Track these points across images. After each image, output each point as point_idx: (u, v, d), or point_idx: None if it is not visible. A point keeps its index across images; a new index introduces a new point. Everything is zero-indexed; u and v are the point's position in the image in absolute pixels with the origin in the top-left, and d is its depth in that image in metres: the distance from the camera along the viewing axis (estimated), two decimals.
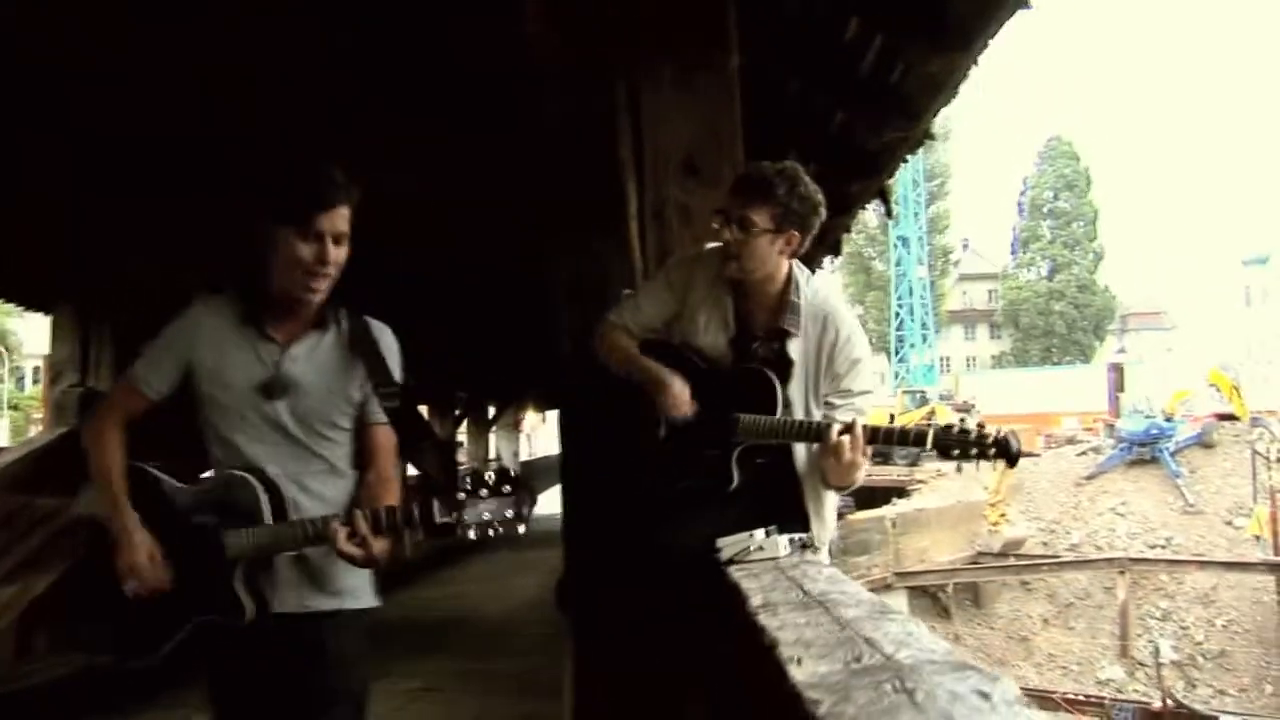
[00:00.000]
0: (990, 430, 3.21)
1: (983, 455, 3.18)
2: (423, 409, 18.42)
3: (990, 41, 4.91)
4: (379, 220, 3.17)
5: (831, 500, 3.66)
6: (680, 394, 3.48)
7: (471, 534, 2.91)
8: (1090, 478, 34.27)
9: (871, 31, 5.34)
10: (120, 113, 6.15)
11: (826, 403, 3.54)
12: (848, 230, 9.37)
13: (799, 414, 3.51)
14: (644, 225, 4.45)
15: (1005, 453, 3.19)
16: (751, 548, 3.15)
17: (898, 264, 67.95)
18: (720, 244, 3.51)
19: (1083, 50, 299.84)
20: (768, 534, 3.18)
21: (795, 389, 3.53)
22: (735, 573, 2.85)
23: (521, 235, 6.44)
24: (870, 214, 67.48)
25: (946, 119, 69.72)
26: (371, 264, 3.39)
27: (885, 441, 3.34)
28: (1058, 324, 74.08)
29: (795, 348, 3.53)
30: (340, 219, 3.01)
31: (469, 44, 5.32)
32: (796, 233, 3.48)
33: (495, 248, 8.96)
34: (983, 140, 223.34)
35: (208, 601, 3.08)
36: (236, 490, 3.07)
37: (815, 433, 3.33)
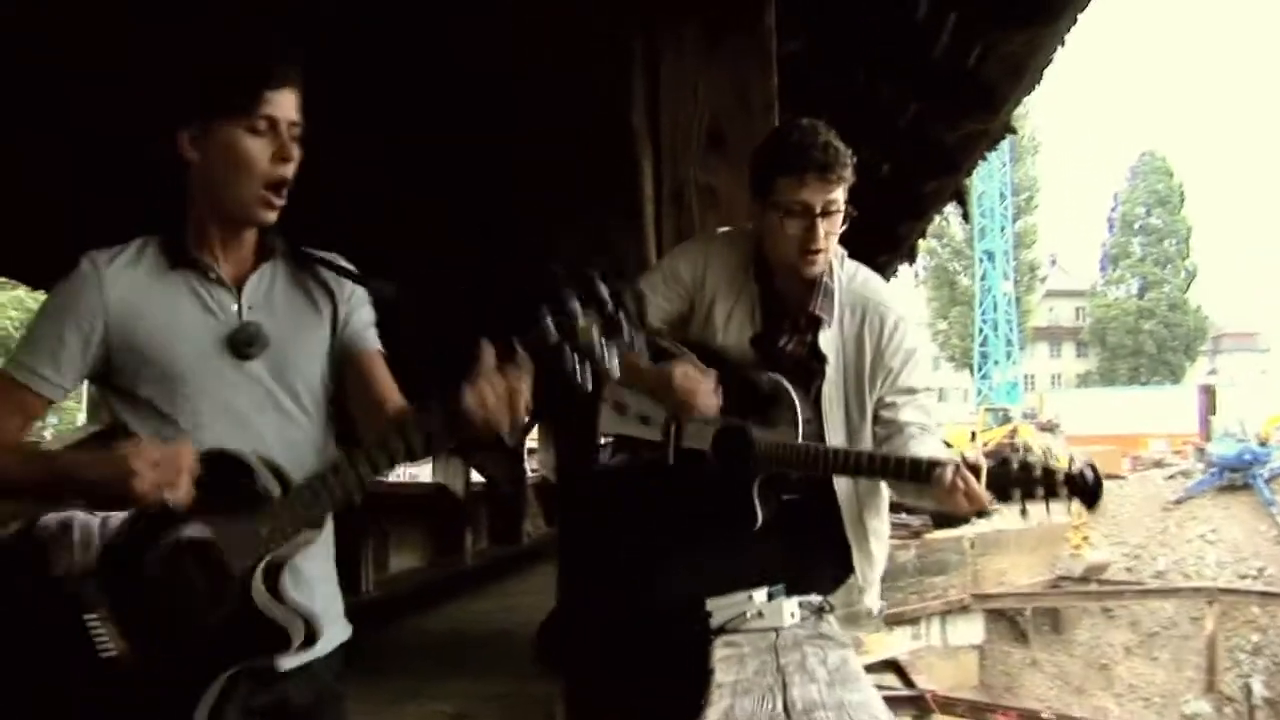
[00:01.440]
0: (1058, 461, 2.59)
1: (1052, 494, 2.60)
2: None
3: (1078, 17, 4.38)
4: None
5: (882, 532, 3.13)
6: (694, 380, 2.95)
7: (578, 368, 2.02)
8: (1179, 502, 33.48)
9: (945, 8, 4.74)
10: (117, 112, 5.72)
11: (885, 404, 3.01)
12: (923, 235, 8.81)
13: (836, 421, 2.99)
14: (661, 209, 3.84)
15: (1082, 490, 2.59)
16: (749, 614, 2.57)
17: (983, 279, 66.81)
18: (799, 246, 2.94)
19: (1177, 64, 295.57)
20: (771, 596, 2.59)
21: (831, 391, 3.01)
22: (720, 649, 2.24)
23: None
24: (956, 227, 67.10)
25: (1035, 131, 68.71)
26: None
27: (913, 479, 2.74)
28: (1147, 343, 72.57)
29: (829, 340, 3.02)
30: (293, 102, 2.34)
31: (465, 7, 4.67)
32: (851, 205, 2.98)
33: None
34: (1072, 154, 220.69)
35: (238, 640, 2.20)
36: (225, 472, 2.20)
37: (822, 460, 2.83)
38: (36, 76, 5.35)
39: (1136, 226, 74.98)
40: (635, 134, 4.00)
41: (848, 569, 3.05)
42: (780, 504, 2.94)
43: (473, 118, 5.28)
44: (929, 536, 26.34)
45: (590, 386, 2.00)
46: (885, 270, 9.40)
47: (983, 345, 66.05)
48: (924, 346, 3.21)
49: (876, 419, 3.00)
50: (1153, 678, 27.64)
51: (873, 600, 3.02)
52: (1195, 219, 75.46)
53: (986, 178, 60.33)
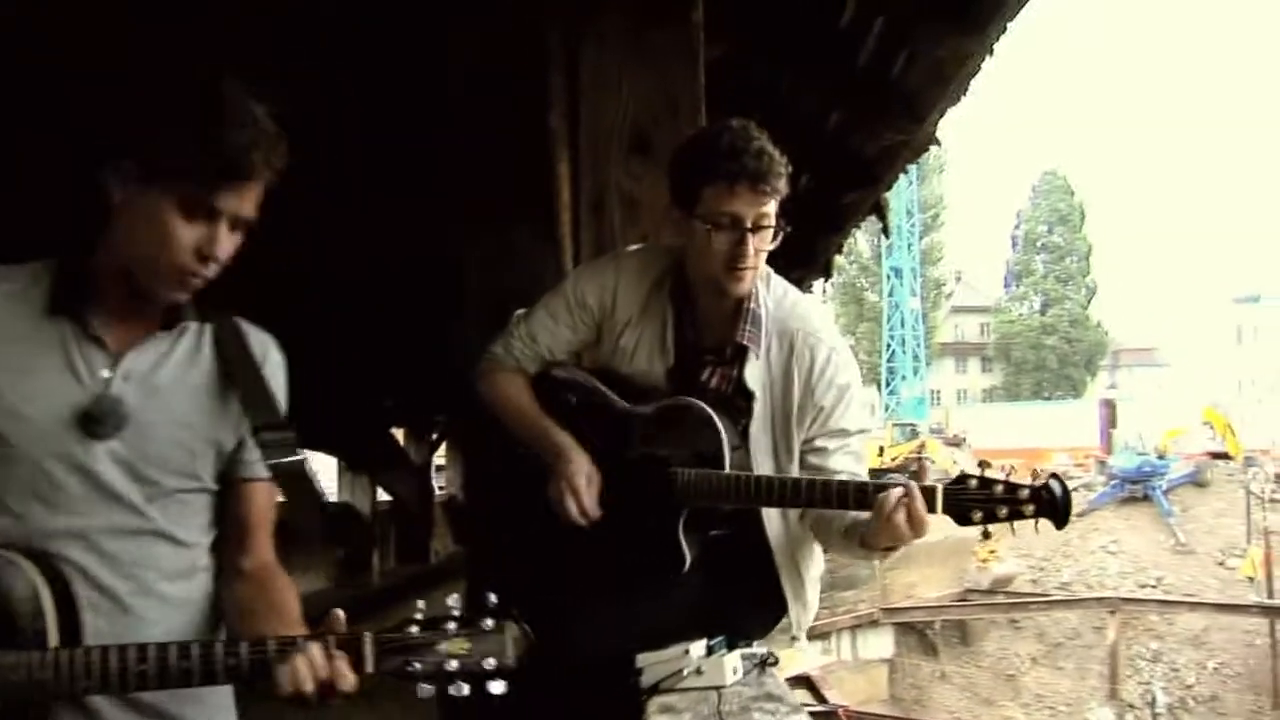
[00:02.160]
0: (1021, 480, 2.37)
1: (1016, 514, 2.34)
2: (397, 433, 17.68)
3: (1007, 25, 4.23)
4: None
5: (815, 573, 2.84)
6: (579, 486, 2.63)
7: (425, 689, 1.89)
8: (1081, 515, 33.87)
9: (871, 13, 4.57)
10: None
11: (813, 448, 2.69)
12: (840, 250, 8.64)
13: (764, 465, 2.66)
14: (578, 218, 3.55)
15: (1049, 507, 2.34)
16: (686, 670, 2.32)
17: (890, 295, 67.45)
18: (728, 261, 2.62)
19: (1078, 85, 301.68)
20: (710, 650, 2.35)
21: (758, 431, 2.70)
22: (654, 714, 2.00)
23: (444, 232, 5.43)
24: (863, 244, 67.66)
25: (942, 151, 69.45)
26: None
27: (858, 507, 2.48)
28: (1050, 359, 73.64)
29: (755, 374, 2.71)
30: (251, 198, 1.98)
31: None
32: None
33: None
34: (978, 173, 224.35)
35: None
36: None
37: (752, 490, 2.52)
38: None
39: (1039, 244, 76.17)
40: (552, 136, 3.71)
41: (781, 610, 2.77)
42: (709, 542, 2.66)
43: (376, 118, 4.97)
44: None
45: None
46: (801, 286, 9.22)
47: (890, 361, 66.67)
48: (859, 382, 2.86)
49: (803, 463, 2.70)
50: (1058, 687, 27.97)
51: (804, 643, 2.77)
52: (1095, 237, 76.96)
53: (894, 195, 60.51)
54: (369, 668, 1.87)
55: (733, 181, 2.56)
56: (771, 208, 2.61)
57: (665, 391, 2.72)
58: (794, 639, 2.70)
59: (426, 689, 1.86)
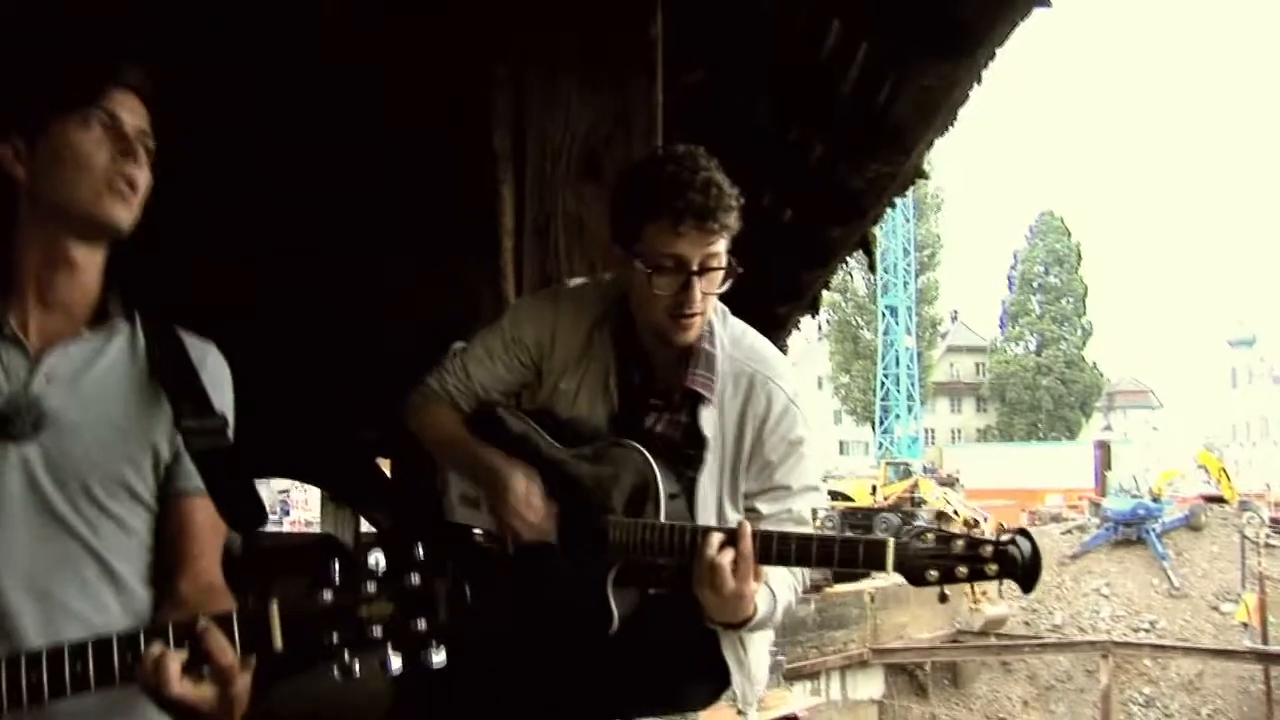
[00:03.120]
0: (983, 532, 2.09)
1: (977, 575, 2.03)
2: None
3: (996, 52, 4.03)
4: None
5: (762, 642, 2.53)
6: (526, 498, 2.38)
7: (338, 671, 1.62)
8: (1074, 557, 33.91)
9: (855, 40, 4.37)
10: None
11: (749, 509, 2.42)
12: (827, 285, 8.43)
13: (707, 517, 2.40)
14: (522, 243, 3.30)
15: (1015, 567, 2.02)
16: None
17: (885, 333, 67.35)
18: (673, 308, 2.36)
19: (1076, 126, 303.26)
20: None
21: (707, 482, 2.43)
22: None
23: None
24: (859, 282, 67.67)
25: (938, 188, 69.60)
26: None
27: (800, 561, 2.23)
28: (1045, 399, 73.59)
29: (710, 420, 2.44)
30: (140, 109, 1.95)
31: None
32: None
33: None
34: (974, 212, 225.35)
35: None
36: None
37: (686, 544, 2.22)
38: None
39: (1035, 285, 76.30)
40: (496, 156, 3.43)
41: (724, 682, 2.47)
42: (644, 602, 2.39)
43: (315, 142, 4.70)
44: (829, 590, 26.09)
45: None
46: (787, 321, 9.03)
47: (884, 399, 66.51)
48: (816, 436, 2.62)
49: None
50: None
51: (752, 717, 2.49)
52: (1091, 278, 77.08)
53: (890, 234, 60.94)
54: (277, 644, 1.63)
55: (677, 219, 2.28)
56: (721, 246, 2.33)
57: (607, 438, 2.46)
58: (740, 713, 2.45)
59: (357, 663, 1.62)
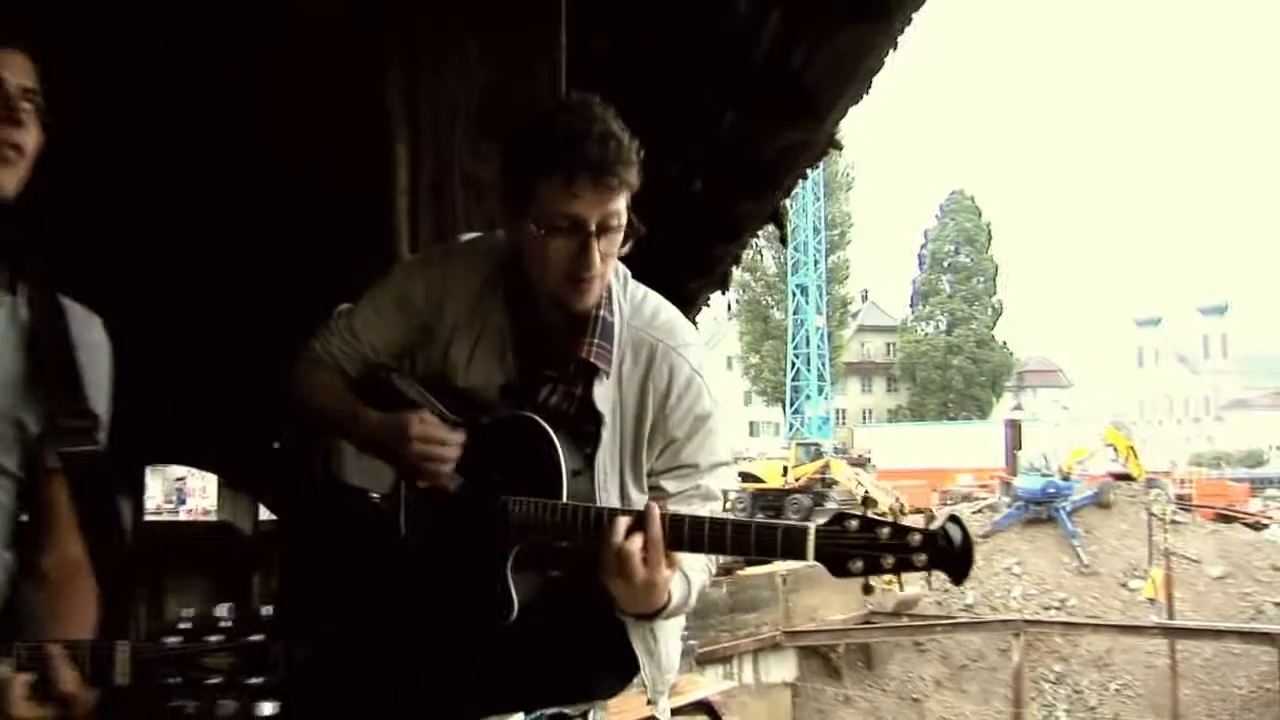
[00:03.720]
0: (910, 519, 1.96)
1: (905, 566, 1.89)
2: None
3: (912, 16, 4.01)
4: None
5: (674, 629, 2.43)
6: (428, 433, 2.23)
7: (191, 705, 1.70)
8: (986, 536, 34.29)
9: (769, 2, 4.30)
10: None
11: (655, 487, 2.32)
12: (738, 261, 8.42)
13: (610, 497, 2.28)
14: (417, 203, 3.18)
15: (945, 559, 1.88)
16: None
17: (795, 313, 67.89)
18: (570, 271, 2.22)
19: (986, 104, 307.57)
20: None
21: (605, 460, 2.31)
22: None
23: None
24: (769, 261, 68.07)
25: (849, 166, 70.10)
26: None
27: (714, 548, 2.08)
28: (955, 379, 74.62)
29: (605, 394, 2.32)
30: (26, 69, 1.95)
31: None
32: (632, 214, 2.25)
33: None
34: (885, 191, 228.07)
35: None
36: None
37: (591, 526, 2.10)
38: None
39: (946, 264, 77.30)
40: (391, 116, 3.28)
41: (633, 669, 2.36)
42: (545, 584, 2.27)
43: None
44: (740, 573, 26.15)
45: None
46: (697, 297, 8.99)
47: (795, 380, 67.12)
48: (723, 410, 2.50)
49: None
50: (963, 710, 28.22)
51: (663, 709, 2.40)
52: (1001, 257, 78.09)
53: (800, 212, 61.40)
54: (120, 679, 1.71)
55: (571, 175, 2.13)
56: (620, 204, 2.19)
57: (503, 410, 2.33)
58: (650, 702, 2.35)
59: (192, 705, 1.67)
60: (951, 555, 1.87)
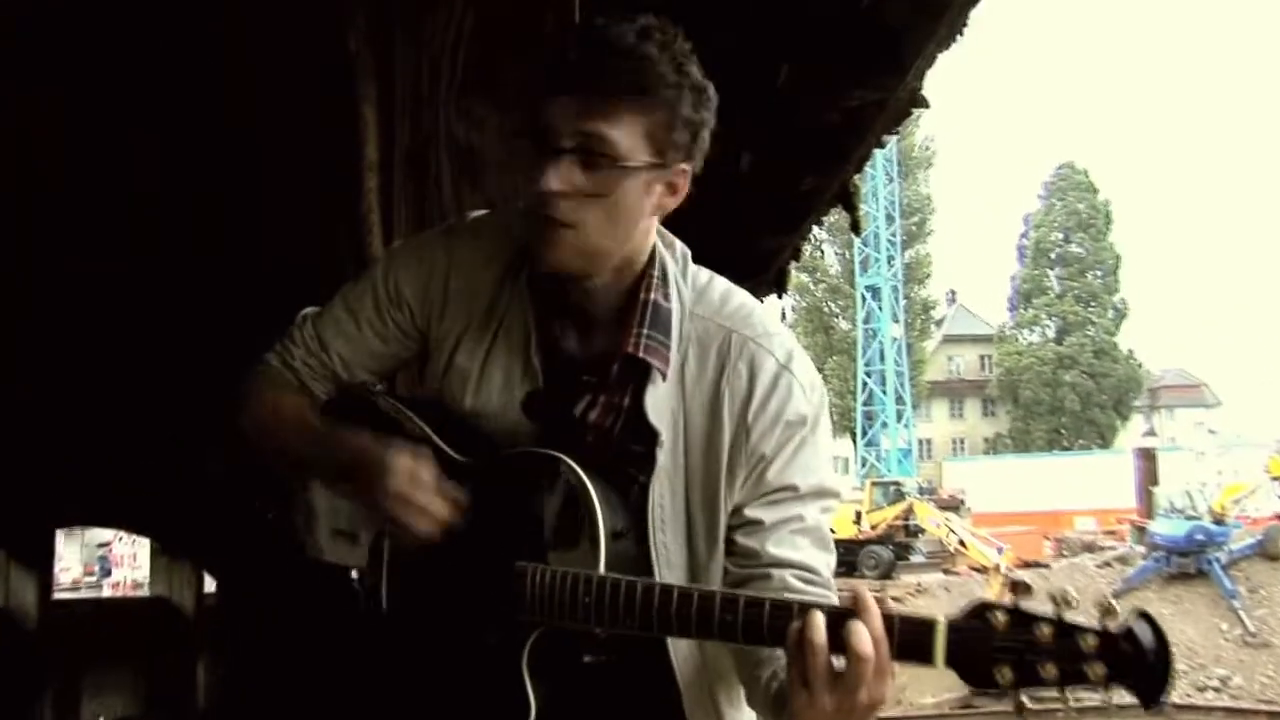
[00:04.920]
0: (1080, 617, 1.77)
1: (1074, 678, 1.73)
2: None
3: None
4: None
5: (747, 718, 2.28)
6: (411, 475, 2.07)
7: None
8: (1116, 596, 33.76)
9: None
10: None
11: (744, 522, 2.13)
12: (797, 256, 8.36)
13: (673, 544, 2.13)
14: (391, 181, 3.09)
15: (1134, 671, 1.71)
16: None
17: (866, 321, 68.10)
18: (529, 202, 2.08)
19: (1098, 62, 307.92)
20: None
21: (664, 492, 2.13)
22: None
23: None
24: (831, 257, 68.25)
25: (928, 139, 70.32)
26: None
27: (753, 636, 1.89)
28: (1069, 398, 74.52)
29: (660, 404, 2.14)
30: None
31: None
32: (685, 165, 2.09)
33: None
34: (974, 169, 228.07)
35: None
36: None
37: (638, 607, 1.92)
38: None
39: (1053, 256, 77.37)
40: (352, 63, 3.16)
41: None
42: (578, 672, 2.11)
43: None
44: None
45: None
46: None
47: (867, 404, 67.30)
48: (824, 419, 2.26)
49: (730, 549, 2.14)
50: None
51: None
52: (1124, 246, 77.97)
53: (869, 197, 61.59)
54: None
55: (550, 82, 2.03)
56: (615, 128, 2.01)
57: (526, 432, 2.19)
58: None
59: None
60: (1142, 666, 1.72)
